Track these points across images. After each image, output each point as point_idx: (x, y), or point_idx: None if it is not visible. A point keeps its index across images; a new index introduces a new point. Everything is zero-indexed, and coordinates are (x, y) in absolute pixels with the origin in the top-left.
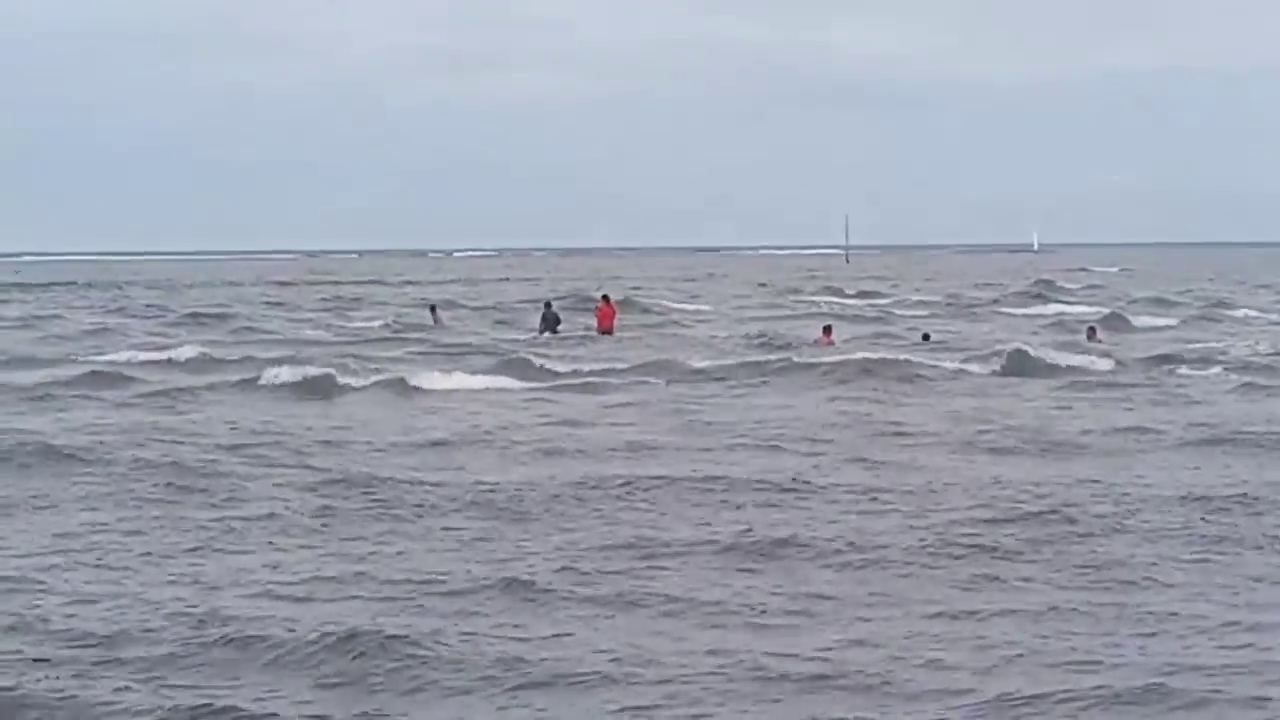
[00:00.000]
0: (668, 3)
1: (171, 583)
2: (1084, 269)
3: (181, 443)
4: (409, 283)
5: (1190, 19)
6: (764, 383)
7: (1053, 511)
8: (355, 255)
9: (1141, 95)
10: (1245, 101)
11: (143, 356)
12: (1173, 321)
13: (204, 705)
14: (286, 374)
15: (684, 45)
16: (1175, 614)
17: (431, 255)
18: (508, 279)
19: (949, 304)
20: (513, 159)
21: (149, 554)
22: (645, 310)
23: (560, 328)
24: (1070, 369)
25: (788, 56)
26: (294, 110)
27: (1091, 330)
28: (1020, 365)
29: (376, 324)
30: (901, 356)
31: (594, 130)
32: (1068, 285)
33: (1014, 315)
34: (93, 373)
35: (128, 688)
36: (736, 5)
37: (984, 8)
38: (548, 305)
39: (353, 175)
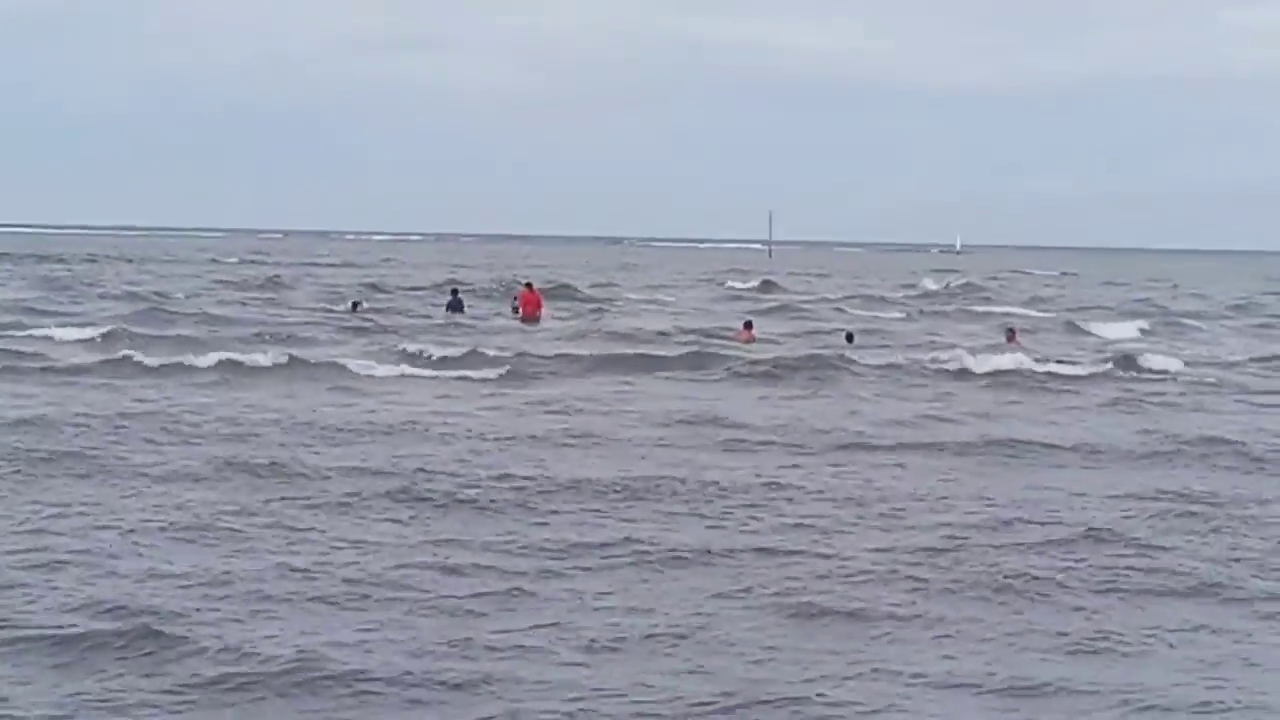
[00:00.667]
0: None
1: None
2: (1018, 271)
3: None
4: (332, 265)
5: (1112, 27)
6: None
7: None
8: (280, 235)
9: (1062, 101)
10: (1161, 108)
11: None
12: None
13: None
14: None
15: (615, 35)
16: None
17: (348, 237)
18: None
19: (873, 301)
20: (439, 145)
21: None
22: (576, 299)
23: (467, 312)
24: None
25: (722, 51)
26: (231, 91)
27: (1010, 332)
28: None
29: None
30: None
31: (519, 119)
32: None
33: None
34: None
35: None
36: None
37: (920, 11)
38: (454, 292)
39: (284, 157)
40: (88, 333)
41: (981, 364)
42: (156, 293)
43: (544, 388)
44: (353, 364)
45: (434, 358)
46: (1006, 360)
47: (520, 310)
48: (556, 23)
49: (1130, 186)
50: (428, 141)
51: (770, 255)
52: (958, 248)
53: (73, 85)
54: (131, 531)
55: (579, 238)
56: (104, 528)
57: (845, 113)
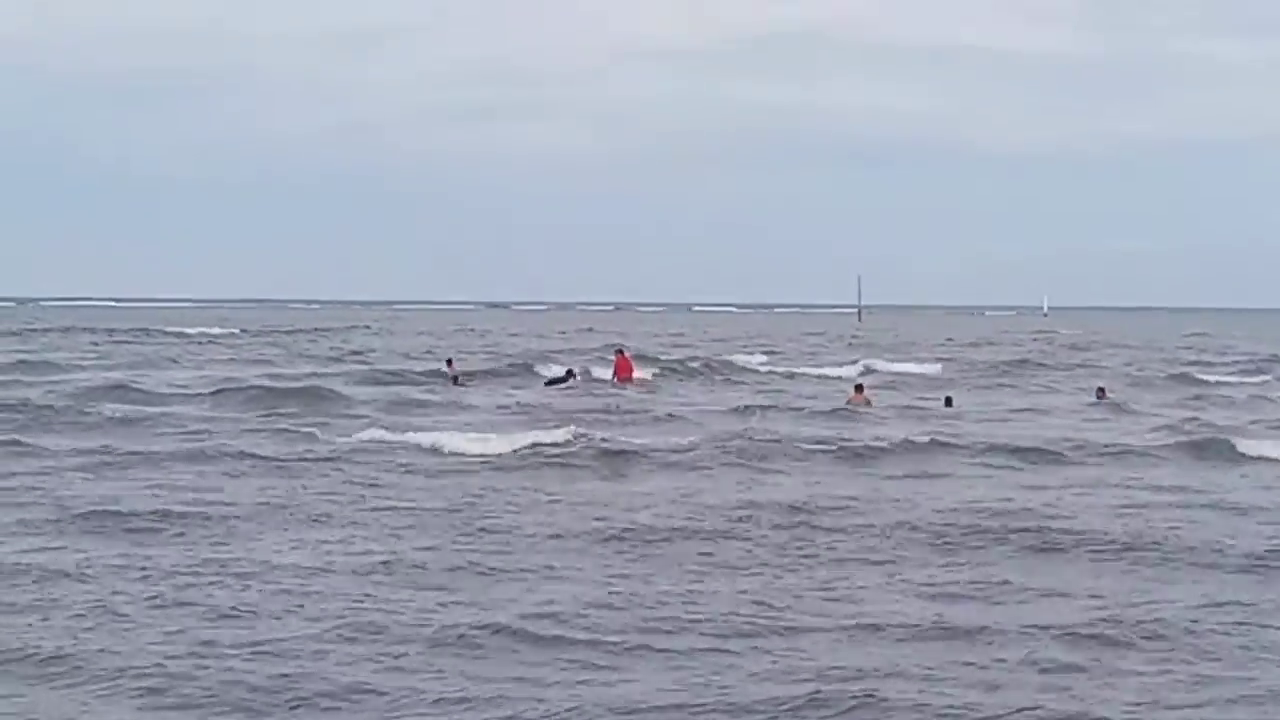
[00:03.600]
0: (680, 62)
1: None
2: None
3: None
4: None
5: (1189, 90)
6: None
7: None
8: (384, 306)
9: (1146, 162)
10: (1247, 169)
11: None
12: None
13: None
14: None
15: (696, 103)
16: None
17: (439, 307)
18: (517, 334)
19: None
20: (521, 212)
21: None
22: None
23: (576, 380)
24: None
25: (797, 117)
26: (316, 159)
27: (1100, 391)
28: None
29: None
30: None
31: (602, 186)
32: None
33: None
34: None
35: None
36: (747, 67)
37: (990, 74)
38: (569, 373)
39: (381, 226)
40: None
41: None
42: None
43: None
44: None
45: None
46: None
47: (617, 376)
48: (628, 93)
49: (1214, 244)
50: (503, 210)
51: (860, 319)
52: (1045, 310)
53: (162, 153)
54: None
55: (654, 304)
56: None
57: (922, 174)
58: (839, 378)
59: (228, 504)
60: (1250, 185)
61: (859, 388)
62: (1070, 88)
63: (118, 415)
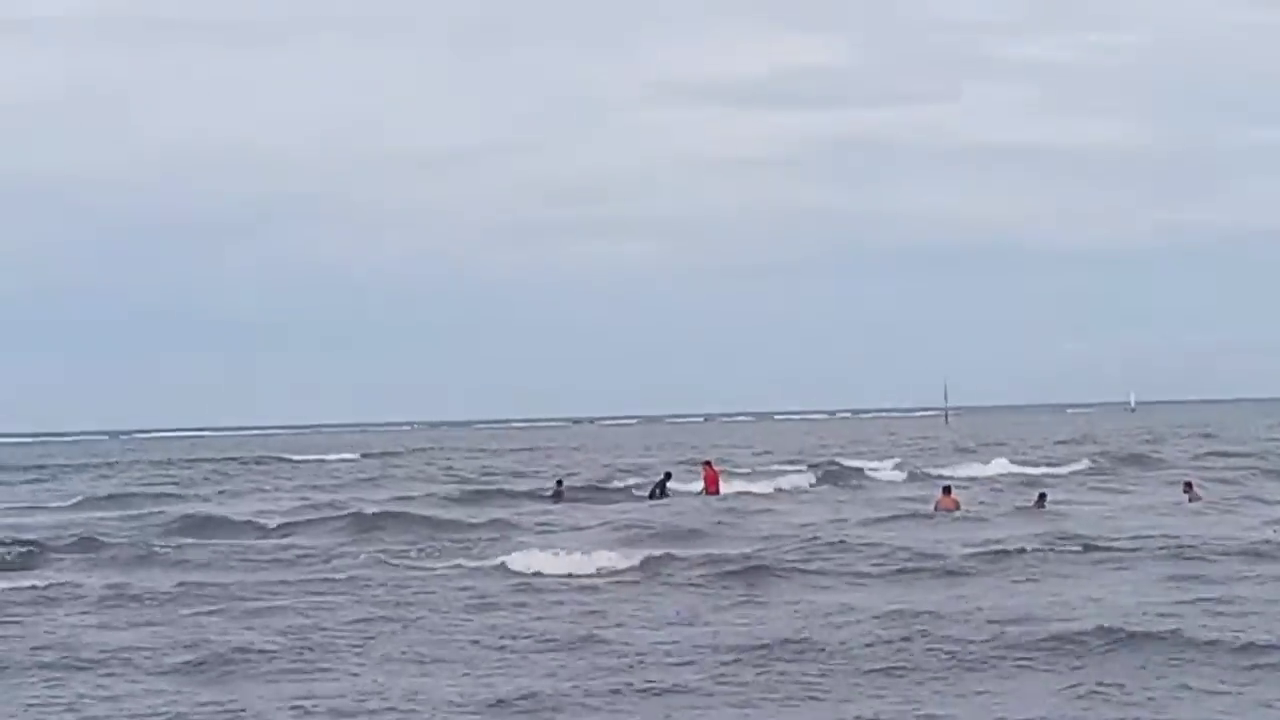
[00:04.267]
0: (741, 172)
1: None
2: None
3: None
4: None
5: (1247, 180)
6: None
7: None
8: (466, 426)
9: (1212, 254)
10: None
11: None
12: None
13: None
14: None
15: (763, 213)
16: None
17: (528, 425)
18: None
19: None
20: (592, 327)
21: None
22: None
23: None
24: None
25: (861, 221)
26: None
27: (1188, 485)
28: None
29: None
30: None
31: (679, 296)
32: None
33: None
34: None
35: None
36: (813, 175)
37: (1051, 171)
38: (667, 475)
39: (456, 346)
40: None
41: None
42: None
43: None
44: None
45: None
46: None
47: (706, 489)
48: (696, 201)
49: None
50: (574, 325)
51: (947, 421)
52: (1132, 405)
53: (240, 288)
54: None
55: (739, 414)
56: None
57: (995, 275)
58: (986, 478)
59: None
60: None
61: (947, 490)
62: (1131, 181)
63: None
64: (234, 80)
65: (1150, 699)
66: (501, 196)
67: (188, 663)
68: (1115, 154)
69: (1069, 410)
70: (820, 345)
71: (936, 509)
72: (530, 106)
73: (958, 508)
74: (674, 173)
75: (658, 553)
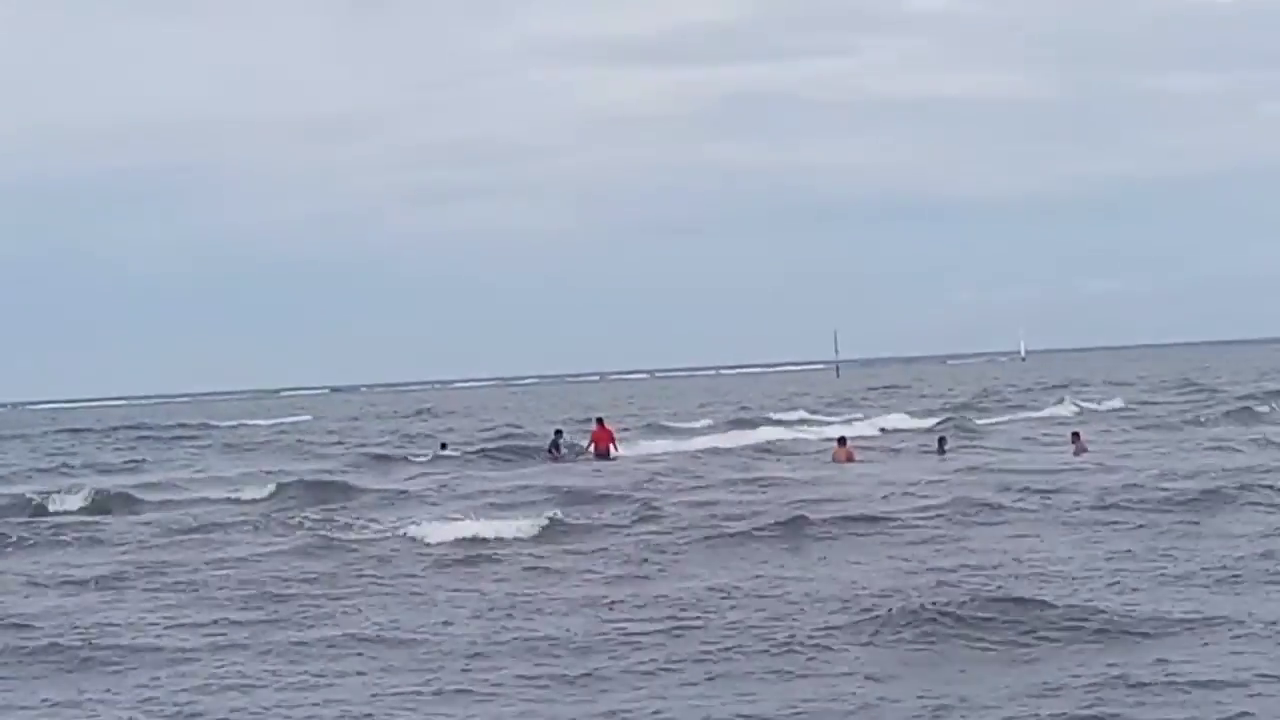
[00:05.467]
0: (639, 129)
1: None
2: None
3: None
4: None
5: (1145, 131)
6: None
7: None
8: (364, 389)
9: (1108, 203)
10: (1203, 206)
11: None
12: None
13: None
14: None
15: (667, 169)
16: None
17: (435, 386)
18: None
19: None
20: (493, 287)
21: None
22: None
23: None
24: None
25: (759, 177)
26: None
27: (1075, 435)
28: None
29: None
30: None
31: (569, 255)
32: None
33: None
34: None
35: None
36: (718, 131)
37: (955, 123)
38: (558, 433)
39: (350, 310)
40: None
41: None
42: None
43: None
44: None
45: None
46: None
47: (594, 447)
48: (595, 160)
49: (1182, 283)
50: (476, 286)
51: (839, 374)
52: (1022, 354)
53: (129, 254)
54: None
55: (640, 371)
56: None
57: (893, 227)
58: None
59: None
60: (1217, 220)
61: (842, 441)
62: (1031, 132)
63: None
64: (121, 50)
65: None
66: (396, 161)
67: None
68: (1011, 105)
69: (965, 361)
70: (712, 302)
71: (833, 460)
72: (426, 70)
73: (851, 460)
74: (570, 132)
75: (559, 514)
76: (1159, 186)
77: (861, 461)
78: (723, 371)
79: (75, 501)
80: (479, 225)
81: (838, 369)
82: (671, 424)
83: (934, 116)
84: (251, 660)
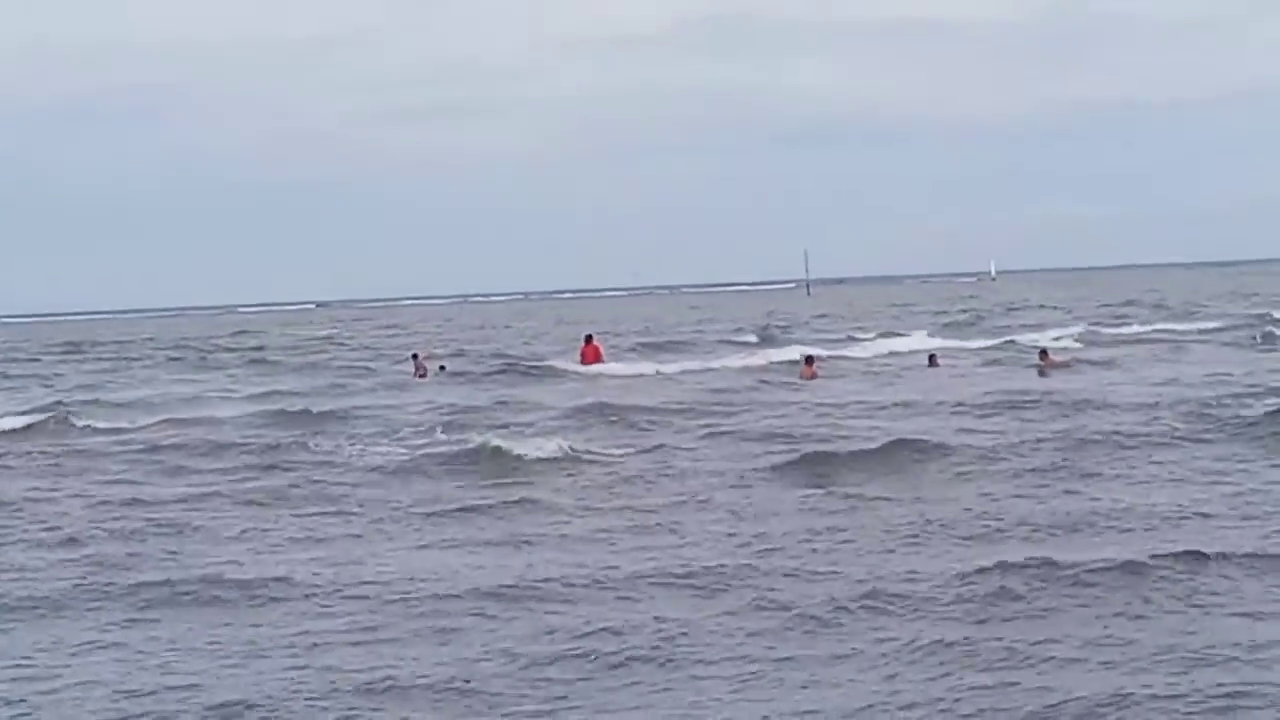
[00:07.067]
0: (616, 50)
1: None
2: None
3: None
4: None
5: (1131, 53)
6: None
7: None
8: (313, 306)
9: (1090, 128)
10: (1188, 130)
11: None
12: None
13: None
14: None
15: (632, 92)
16: None
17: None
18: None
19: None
20: (478, 206)
21: None
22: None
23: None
24: None
25: (738, 97)
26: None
27: (1043, 353)
28: None
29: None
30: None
31: (548, 174)
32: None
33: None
34: None
35: None
36: (689, 50)
37: (930, 44)
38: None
39: (327, 227)
40: None
41: None
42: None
43: None
44: None
45: None
46: None
47: (582, 361)
48: (570, 83)
49: (1155, 207)
50: (453, 206)
51: (809, 294)
52: (993, 275)
53: (101, 173)
54: None
55: (608, 289)
56: None
57: (867, 149)
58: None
59: None
60: (1189, 146)
61: (809, 360)
62: (1001, 54)
63: None
64: None
65: None
66: (372, 81)
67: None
68: (986, 27)
69: (936, 280)
70: (688, 221)
71: (801, 379)
72: None
73: (815, 377)
74: (547, 52)
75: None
76: (1130, 111)
77: (825, 378)
78: (683, 289)
79: None
80: (453, 146)
81: (809, 287)
82: (685, 339)
83: (910, 39)
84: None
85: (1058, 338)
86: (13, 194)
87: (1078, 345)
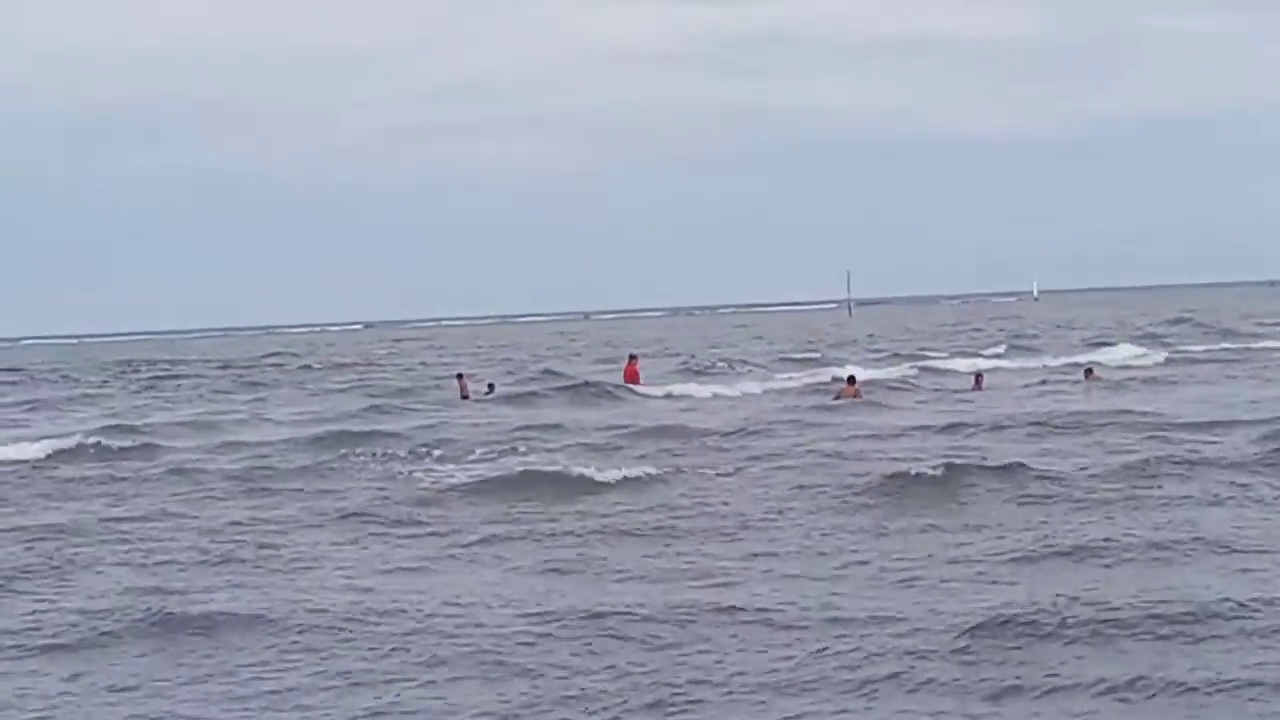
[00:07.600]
0: (644, 67)
1: None
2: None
3: None
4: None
5: (1161, 70)
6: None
7: None
8: (359, 327)
9: (1125, 144)
10: (1220, 145)
11: None
12: None
13: None
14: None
15: (662, 109)
16: None
17: (436, 324)
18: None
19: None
20: (495, 225)
21: None
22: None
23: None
24: None
25: (769, 115)
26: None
27: (1089, 371)
28: None
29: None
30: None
31: (576, 194)
32: None
33: None
34: None
35: None
36: (717, 69)
37: (950, 66)
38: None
39: (347, 248)
40: None
41: None
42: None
43: None
44: None
45: None
46: None
47: (625, 379)
48: (595, 101)
49: (1188, 222)
50: (478, 225)
51: (850, 314)
52: (1035, 294)
53: (140, 189)
54: None
55: (648, 310)
56: None
57: (899, 166)
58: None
59: None
60: (1221, 160)
61: (851, 380)
62: (1036, 71)
63: None
64: None
65: None
66: (400, 96)
67: None
68: (1020, 44)
69: (976, 300)
70: (725, 240)
71: (839, 398)
72: (431, 5)
73: (858, 396)
74: (577, 69)
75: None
76: (1161, 127)
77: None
78: (719, 310)
79: None
80: (482, 162)
81: (850, 308)
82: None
83: (941, 56)
84: None
85: (1138, 356)
86: (40, 212)
87: (1159, 362)
